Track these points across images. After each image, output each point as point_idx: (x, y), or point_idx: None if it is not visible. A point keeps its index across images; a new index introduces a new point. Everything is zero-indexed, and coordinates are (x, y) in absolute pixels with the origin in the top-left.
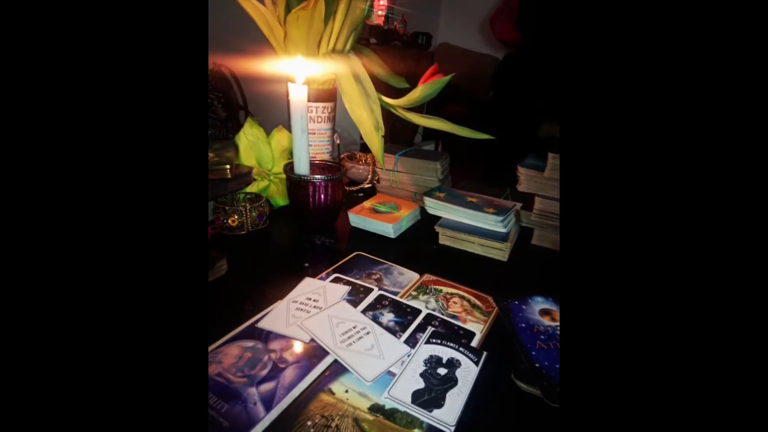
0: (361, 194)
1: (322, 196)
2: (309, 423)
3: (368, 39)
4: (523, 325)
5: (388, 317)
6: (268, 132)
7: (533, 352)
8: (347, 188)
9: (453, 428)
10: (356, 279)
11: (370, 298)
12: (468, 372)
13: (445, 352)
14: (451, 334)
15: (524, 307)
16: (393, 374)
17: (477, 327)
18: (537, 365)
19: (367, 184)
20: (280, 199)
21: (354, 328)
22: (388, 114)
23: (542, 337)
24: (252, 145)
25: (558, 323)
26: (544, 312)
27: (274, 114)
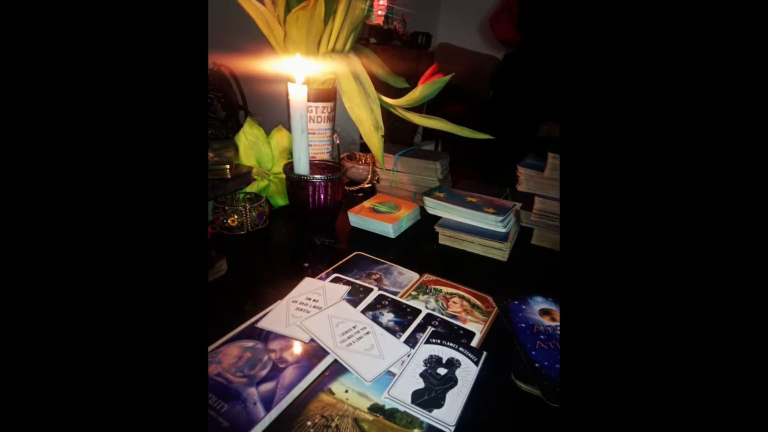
0: (361, 194)
1: (322, 196)
2: (309, 423)
3: (368, 39)
4: (523, 325)
5: (387, 317)
6: (267, 132)
7: (533, 352)
8: (347, 188)
9: (453, 428)
10: (356, 279)
11: (369, 298)
12: (468, 372)
13: (445, 352)
14: (450, 334)
15: (524, 307)
16: (393, 374)
17: (477, 327)
18: (537, 365)
19: (367, 184)
20: (280, 199)
21: (354, 328)
22: (387, 114)
23: (542, 336)
24: (252, 144)
25: (558, 323)
26: (544, 312)
27: (273, 114)
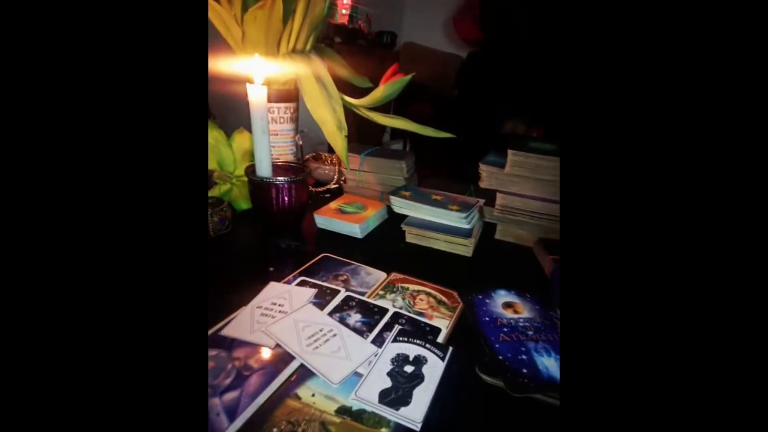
0: (328, 195)
1: (286, 198)
2: (275, 430)
3: (333, 38)
4: (487, 318)
5: (355, 318)
6: (229, 134)
7: (496, 345)
8: (314, 189)
9: (420, 425)
10: (323, 281)
11: (336, 300)
12: (434, 368)
13: (412, 350)
14: (417, 331)
15: (488, 300)
16: (360, 375)
17: (443, 323)
18: (500, 357)
19: (334, 184)
20: (243, 203)
21: (320, 331)
22: (355, 113)
23: (505, 329)
24: (212, 147)
25: (520, 315)
26: (507, 305)
27: (236, 115)
